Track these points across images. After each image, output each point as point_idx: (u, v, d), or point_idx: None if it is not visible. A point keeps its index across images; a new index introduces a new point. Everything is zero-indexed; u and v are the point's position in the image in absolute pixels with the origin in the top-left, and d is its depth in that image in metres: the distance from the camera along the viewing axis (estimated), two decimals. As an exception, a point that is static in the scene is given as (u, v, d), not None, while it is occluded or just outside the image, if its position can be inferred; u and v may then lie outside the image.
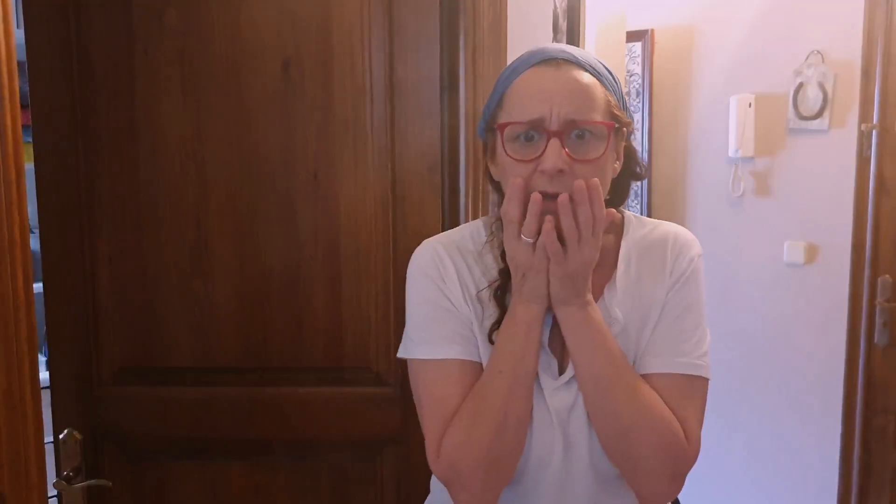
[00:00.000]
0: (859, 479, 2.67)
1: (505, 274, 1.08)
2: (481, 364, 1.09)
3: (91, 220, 1.49)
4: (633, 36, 3.10)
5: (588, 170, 1.00)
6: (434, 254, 1.13)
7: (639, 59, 3.25)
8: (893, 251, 2.54)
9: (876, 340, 2.59)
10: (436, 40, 1.44)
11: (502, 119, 1.05)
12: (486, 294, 1.10)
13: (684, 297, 1.10)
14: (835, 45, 2.72)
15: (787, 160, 2.90)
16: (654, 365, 1.07)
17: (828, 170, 2.77)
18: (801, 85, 2.82)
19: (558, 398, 1.07)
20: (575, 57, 1.04)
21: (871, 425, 2.64)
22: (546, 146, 0.99)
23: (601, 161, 1.02)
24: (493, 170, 1.12)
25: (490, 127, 1.09)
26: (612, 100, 1.05)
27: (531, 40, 1.58)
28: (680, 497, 1.20)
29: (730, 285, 2.94)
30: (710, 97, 3.08)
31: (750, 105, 2.96)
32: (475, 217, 1.47)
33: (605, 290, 1.10)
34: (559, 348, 1.09)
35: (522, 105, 1.02)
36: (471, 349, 1.09)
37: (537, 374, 1.07)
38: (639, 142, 3.25)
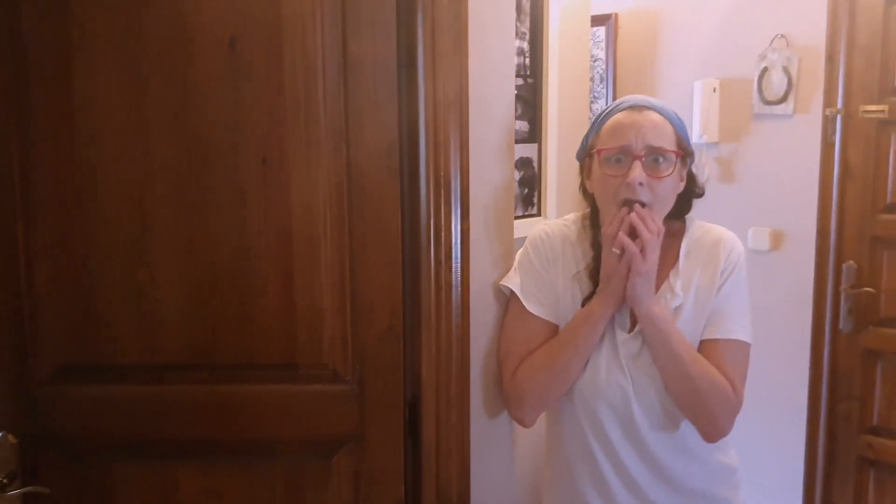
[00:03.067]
0: (824, 465, 2.67)
1: (597, 259, 1.48)
2: (557, 325, 1.52)
3: (25, 207, 1.39)
4: (596, 20, 3.05)
5: (659, 184, 1.41)
6: (546, 237, 1.56)
7: (602, 44, 3.20)
8: (858, 237, 2.53)
9: (841, 327, 2.59)
10: (392, 16, 1.37)
11: (599, 146, 1.45)
12: (582, 274, 1.51)
13: (732, 285, 1.48)
14: (799, 29, 2.70)
15: (752, 145, 2.88)
16: (710, 332, 1.47)
17: (792, 155, 2.76)
18: (765, 69, 2.80)
19: (627, 347, 1.48)
20: (653, 104, 1.46)
21: (836, 411, 2.63)
22: (631, 165, 1.40)
23: (669, 179, 1.43)
24: (587, 184, 1.54)
25: (589, 153, 1.50)
26: (678, 136, 1.46)
27: (493, 19, 1.52)
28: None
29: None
30: (675, 82, 3.05)
31: (714, 90, 2.94)
32: (437, 203, 1.40)
33: (671, 275, 1.49)
34: (632, 310, 1.46)
35: (615, 136, 1.43)
36: (551, 313, 1.52)
37: (612, 326, 1.48)
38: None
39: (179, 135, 1.39)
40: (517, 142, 1.82)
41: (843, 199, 2.58)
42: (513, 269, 1.57)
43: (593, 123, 1.51)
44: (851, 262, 2.56)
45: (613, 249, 1.40)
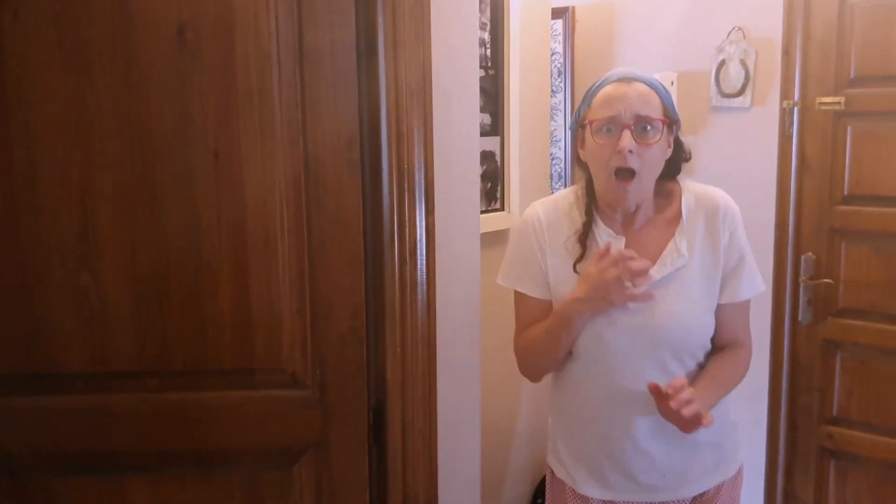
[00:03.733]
0: (786, 456, 2.68)
1: (587, 225, 1.56)
2: (550, 300, 1.59)
3: (-44, 206, 1.30)
4: (553, 13, 3.01)
5: (647, 151, 1.48)
6: (535, 215, 1.62)
7: (560, 38, 3.17)
8: (816, 229, 2.54)
9: (800, 318, 2.59)
10: (351, 2, 1.30)
11: (590, 117, 1.51)
12: (571, 240, 1.57)
13: (737, 244, 1.57)
14: (756, 21, 2.70)
15: (710, 138, 2.88)
16: (728, 297, 1.57)
17: (750, 148, 2.76)
18: (723, 62, 2.79)
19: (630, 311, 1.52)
20: (640, 76, 1.52)
21: (797, 402, 2.64)
22: (621, 134, 1.46)
23: (657, 146, 1.50)
24: (581, 154, 1.60)
25: (581, 123, 1.56)
26: (664, 105, 1.52)
27: (455, 6, 1.47)
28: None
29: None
30: (633, 75, 3.03)
31: (672, 83, 2.92)
32: (400, 197, 1.35)
33: (676, 235, 1.55)
34: None
35: (605, 107, 1.49)
36: (543, 291, 1.60)
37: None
38: (560, 122, 3.18)
39: (124, 127, 1.31)
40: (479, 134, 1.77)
41: (800, 191, 2.59)
42: (504, 258, 1.67)
43: (585, 96, 1.58)
44: (810, 253, 2.57)
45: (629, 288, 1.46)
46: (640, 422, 1.55)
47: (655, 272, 1.51)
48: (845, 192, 2.51)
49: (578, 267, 1.54)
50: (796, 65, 2.57)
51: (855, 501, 2.57)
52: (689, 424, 1.41)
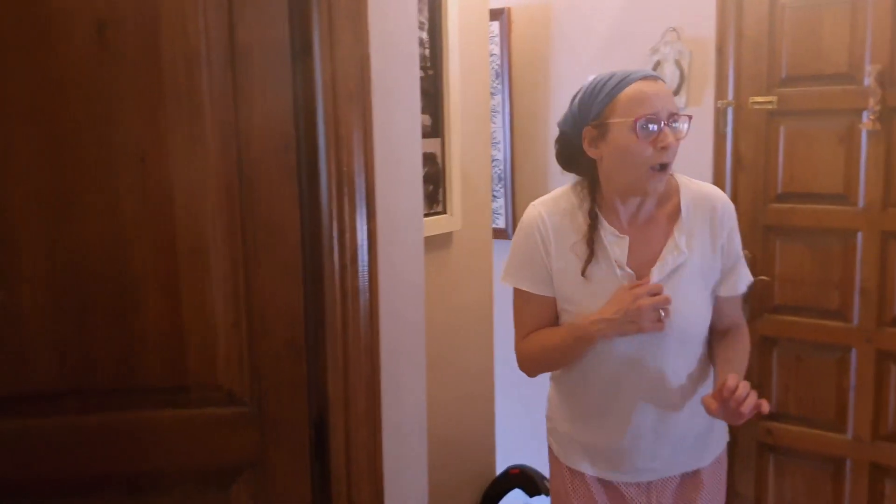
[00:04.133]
0: (727, 453, 2.70)
1: (592, 227, 1.61)
2: (553, 298, 1.66)
3: None
4: (490, 15, 2.98)
5: (677, 146, 1.54)
6: (538, 215, 1.66)
7: (497, 39, 3.14)
8: (751, 227, 2.57)
9: (738, 315, 2.63)
10: (284, -3, 1.24)
11: (623, 115, 1.52)
12: (579, 243, 1.62)
13: (733, 241, 1.66)
14: (690, 21, 2.72)
15: (647, 139, 2.89)
16: (727, 290, 1.67)
17: (686, 147, 2.73)
18: (658, 63, 2.81)
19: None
20: (658, 76, 1.60)
21: (736, 399, 2.67)
22: (661, 131, 1.51)
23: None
24: (591, 151, 1.60)
25: (602, 121, 1.56)
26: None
27: (394, 3, 1.41)
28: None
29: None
30: (570, 77, 3.03)
31: (609, 84, 2.93)
32: (340, 202, 1.29)
33: (675, 231, 1.61)
34: (635, 265, 1.60)
35: (643, 105, 1.51)
36: (547, 288, 1.66)
37: (615, 276, 1.60)
38: (499, 124, 3.15)
39: (41, 131, 1.23)
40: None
41: (735, 189, 2.62)
42: (506, 259, 1.72)
43: (597, 94, 1.58)
44: (746, 251, 2.59)
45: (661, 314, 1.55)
46: (641, 408, 1.64)
47: (657, 270, 1.58)
48: (779, 191, 2.55)
49: (587, 272, 1.61)
50: (730, 65, 2.60)
51: (793, 496, 2.61)
52: (746, 416, 1.49)
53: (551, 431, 1.83)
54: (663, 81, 1.58)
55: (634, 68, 1.59)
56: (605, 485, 1.73)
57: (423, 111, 1.93)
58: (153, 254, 1.26)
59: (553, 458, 1.83)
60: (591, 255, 1.59)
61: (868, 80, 2.35)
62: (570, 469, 1.76)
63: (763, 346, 2.60)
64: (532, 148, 3.14)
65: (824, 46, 2.43)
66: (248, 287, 1.27)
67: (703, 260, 1.62)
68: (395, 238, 1.46)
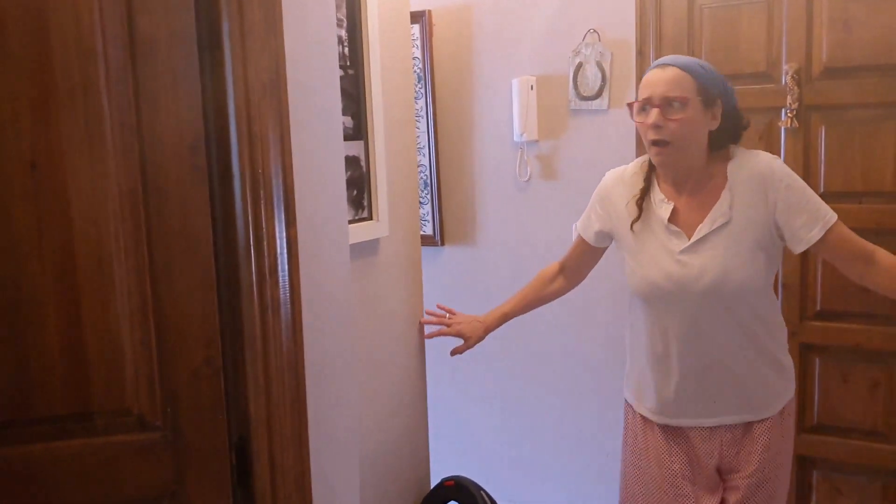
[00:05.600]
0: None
1: (644, 190, 1.91)
2: (588, 243, 2.10)
3: None
4: (410, 17, 2.92)
5: (675, 126, 1.76)
6: (604, 180, 2.03)
7: (418, 42, 3.09)
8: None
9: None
10: (189, -14, 1.15)
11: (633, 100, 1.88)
12: (631, 203, 1.92)
13: (793, 195, 1.79)
14: (610, 23, 2.73)
15: (570, 142, 2.88)
16: (813, 236, 1.78)
17: (609, 149, 2.78)
18: (580, 65, 2.80)
19: (686, 254, 1.83)
20: (677, 61, 1.80)
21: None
22: (648, 112, 1.79)
23: (685, 120, 1.77)
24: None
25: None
26: (699, 84, 1.78)
27: (309, -5, 1.33)
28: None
29: (521, 270, 2.86)
30: (493, 80, 3.00)
31: (532, 87, 2.91)
32: (256, 207, 1.20)
33: (722, 196, 1.81)
34: (685, 226, 1.84)
35: (642, 91, 1.82)
36: (586, 234, 2.09)
37: (668, 237, 1.87)
38: (422, 129, 3.09)
39: (-86, 137, 1.09)
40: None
41: (659, 189, 2.62)
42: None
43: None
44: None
45: None
46: (697, 359, 1.84)
47: (700, 230, 1.80)
48: (701, 189, 2.56)
49: (634, 226, 1.89)
50: (650, 65, 2.60)
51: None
52: None
53: (626, 384, 2.06)
54: (678, 67, 1.78)
55: (672, 56, 1.85)
56: (673, 430, 1.91)
57: (345, 112, 1.84)
58: (50, 269, 1.14)
59: (627, 408, 2.05)
60: (639, 214, 1.88)
61: (785, 79, 2.39)
62: (642, 417, 1.97)
63: (806, 354, 2.52)
64: (457, 153, 3.09)
65: (742, 46, 2.47)
66: (156, 301, 1.17)
67: (750, 220, 1.79)
68: (318, 246, 1.37)
